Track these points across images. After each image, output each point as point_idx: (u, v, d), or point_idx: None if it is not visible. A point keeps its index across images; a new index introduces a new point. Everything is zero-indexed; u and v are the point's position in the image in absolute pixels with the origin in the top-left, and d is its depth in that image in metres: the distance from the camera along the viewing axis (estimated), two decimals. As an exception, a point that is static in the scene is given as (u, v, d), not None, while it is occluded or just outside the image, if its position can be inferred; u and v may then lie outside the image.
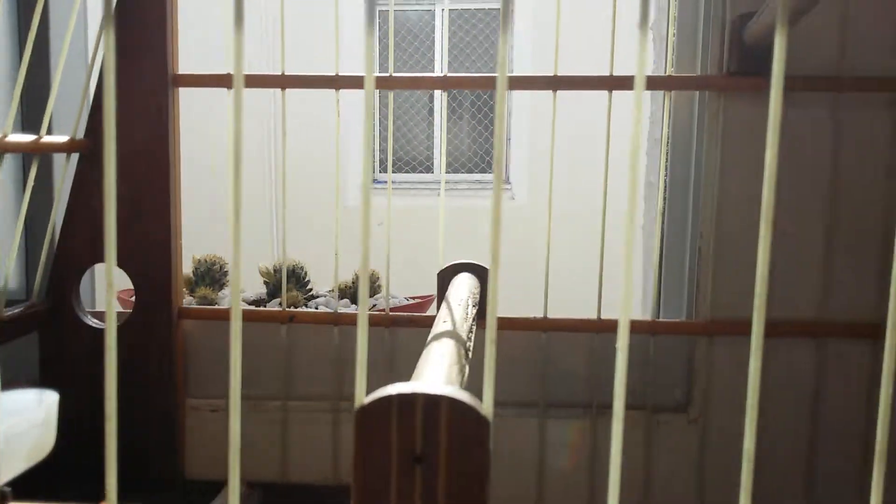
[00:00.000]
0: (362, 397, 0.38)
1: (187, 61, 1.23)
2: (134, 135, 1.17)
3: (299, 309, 1.70)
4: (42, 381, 1.19)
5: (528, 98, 4.22)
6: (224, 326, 1.23)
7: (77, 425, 1.06)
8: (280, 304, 1.80)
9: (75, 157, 1.20)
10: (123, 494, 0.42)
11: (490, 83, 1.18)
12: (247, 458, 1.24)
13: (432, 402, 0.38)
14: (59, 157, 1.28)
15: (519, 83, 1.25)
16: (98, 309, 1.43)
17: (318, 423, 1.22)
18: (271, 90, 1.23)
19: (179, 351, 1.21)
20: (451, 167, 4.44)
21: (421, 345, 0.64)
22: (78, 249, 1.18)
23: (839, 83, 1.08)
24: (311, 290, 2.25)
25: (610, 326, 1.18)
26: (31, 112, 1.35)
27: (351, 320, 1.19)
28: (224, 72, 1.20)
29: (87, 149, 1.17)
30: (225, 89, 1.19)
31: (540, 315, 1.21)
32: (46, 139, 1.11)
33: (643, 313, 1.20)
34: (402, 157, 4.55)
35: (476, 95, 4.40)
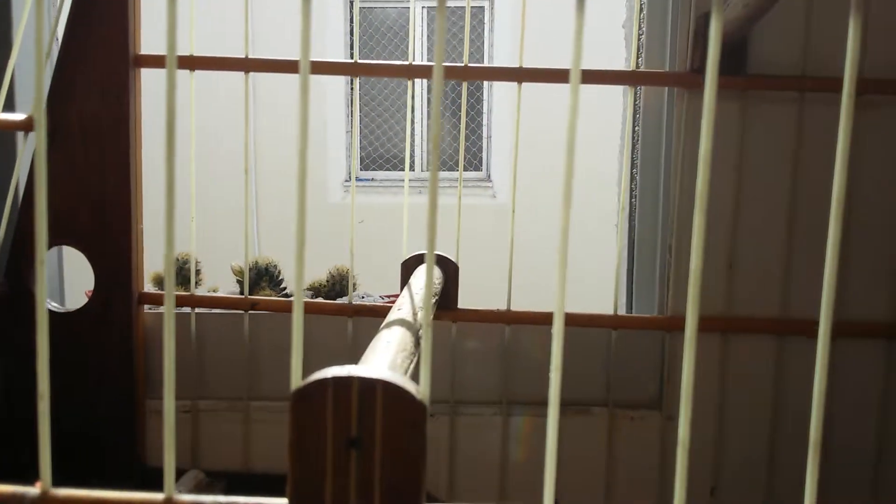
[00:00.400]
0: (298, 380, 0.38)
1: (153, 42, 1.21)
2: (94, 115, 1.15)
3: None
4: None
5: (510, 94, 4.22)
6: (185, 313, 1.22)
7: (33, 410, 1.04)
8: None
9: (33, 136, 1.19)
10: (81, 480, 0.41)
11: (457, 73, 1.18)
12: (209, 449, 1.23)
13: (368, 386, 0.38)
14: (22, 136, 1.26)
15: (483, 74, 1.26)
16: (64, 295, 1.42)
17: (281, 411, 1.22)
18: (244, 79, 1.21)
19: (140, 337, 1.20)
20: (428, 164, 4.44)
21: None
22: (36, 231, 1.17)
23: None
24: (284, 288, 2.24)
25: (578, 321, 1.18)
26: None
27: (314, 309, 1.19)
28: (186, 53, 1.18)
29: (46, 128, 1.16)
30: (187, 71, 1.16)
31: (504, 308, 1.21)
32: (2, 116, 1.09)
33: (616, 309, 1.20)
34: (383, 154, 4.55)
35: (457, 94, 4.40)
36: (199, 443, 1.23)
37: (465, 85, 1.22)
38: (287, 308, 1.21)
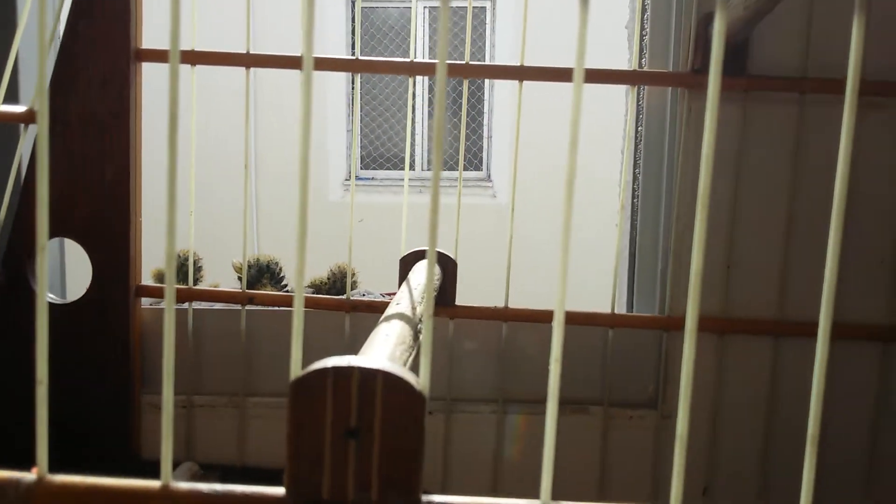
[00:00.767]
0: (298, 370, 0.38)
1: (155, 36, 1.21)
2: (94, 109, 1.15)
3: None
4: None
5: (510, 95, 4.23)
6: (183, 308, 1.22)
7: (32, 402, 1.04)
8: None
9: (34, 128, 1.19)
10: (75, 471, 0.41)
11: (458, 71, 1.18)
12: (204, 443, 1.23)
13: (368, 376, 0.38)
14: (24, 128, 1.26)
15: (484, 71, 1.25)
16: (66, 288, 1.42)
17: (277, 407, 1.22)
18: (246, 76, 1.21)
19: (136, 330, 1.20)
20: (430, 163, 4.45)
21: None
22: (34, 222, 1.17)
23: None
24: (286, 285, 2.24)
25: (576, 319, 1.18)
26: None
27: (312, 303, 1.19)
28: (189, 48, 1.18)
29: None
30: (189, 66, 1.16)
31: (501, 305, 1.21)
32: (2, 108, 1.09)
33: (613, 307, 1.20)
34: (384, 153, 4.55)
35: (457, 93, 4.40)
36: (194, 437, 1.23)
37: (465, 84, 1.23)
38: (285, 302, 1.21)
